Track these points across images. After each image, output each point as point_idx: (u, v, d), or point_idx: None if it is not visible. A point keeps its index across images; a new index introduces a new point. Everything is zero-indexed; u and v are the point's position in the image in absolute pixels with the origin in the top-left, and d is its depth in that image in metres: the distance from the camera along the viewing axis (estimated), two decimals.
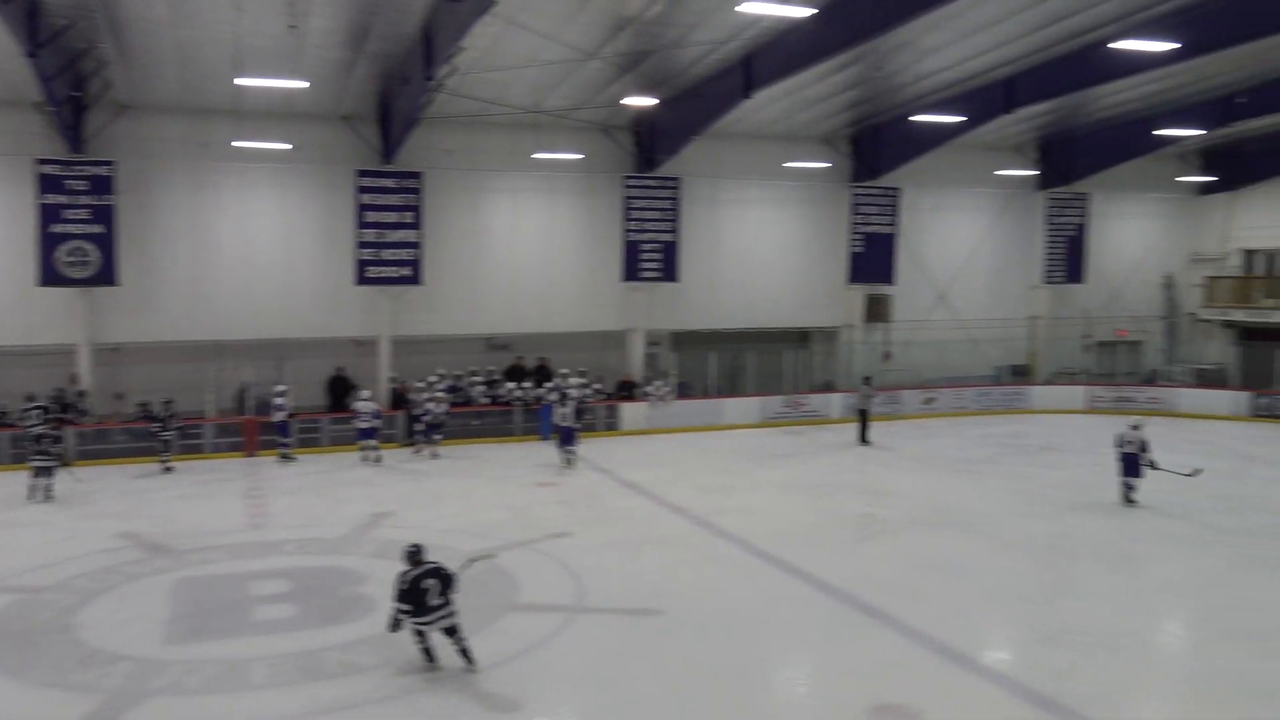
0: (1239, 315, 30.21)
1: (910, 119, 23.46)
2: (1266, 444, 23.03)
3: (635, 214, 24.83)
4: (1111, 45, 16.93)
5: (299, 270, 22.89)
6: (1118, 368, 30.84)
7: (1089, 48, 19.57)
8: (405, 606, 9.65)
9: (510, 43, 18.41)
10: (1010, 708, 9.40)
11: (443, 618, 9.74)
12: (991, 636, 11.47)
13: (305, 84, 17.78)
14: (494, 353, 24.77)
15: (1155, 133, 25.39)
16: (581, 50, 18.71)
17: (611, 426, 24.16)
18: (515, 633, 11.00)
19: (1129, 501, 17.20)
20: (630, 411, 24.44)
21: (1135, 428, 17.35)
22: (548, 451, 20.99)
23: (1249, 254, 31.20)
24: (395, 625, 9.82)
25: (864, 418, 23.07)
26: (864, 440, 22.91)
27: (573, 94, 21.81)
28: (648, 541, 14.86)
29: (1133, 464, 17.15)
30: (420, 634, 9.85)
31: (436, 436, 21.35)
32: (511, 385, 23.52)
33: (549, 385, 23.20)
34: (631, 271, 25.04)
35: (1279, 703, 9.46)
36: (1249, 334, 30.19)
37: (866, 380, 24.14)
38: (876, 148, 26.68)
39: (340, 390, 22.98)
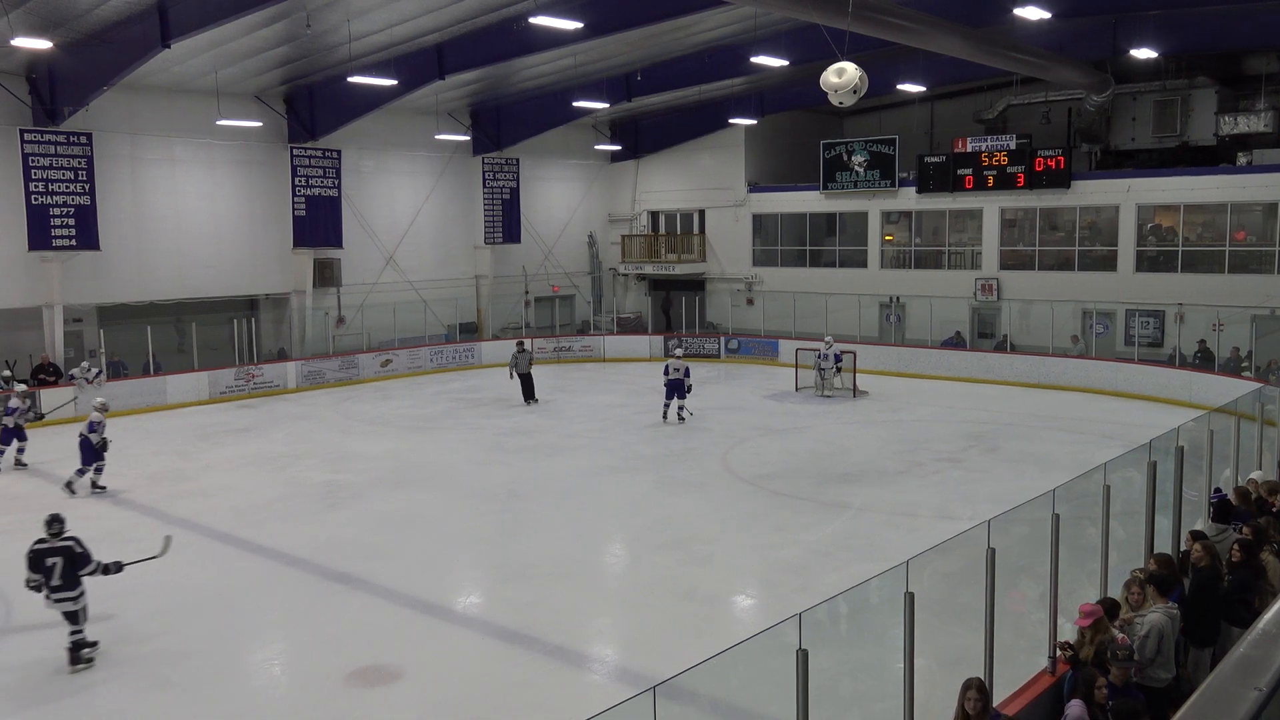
0: (649, 269, 34.44)
1: (347, 80, 23.22)
2: None
3: (39, 173, 21.67)
4: (531, 20, 18.20)
5: None
6: (555, 320, 33.59)
7: (509, 21, 20.84)
8: (35, 577, 9.36)
9: None
10: (483, 647, 10.02)
11: (59, 600, 9.32)
12: (460, 583, 12.07)
13: None
14: None
15: (573, 104, 27.80)
16: None
17: (32, 417, 21.06)
18: None
19: (680, 419, 20.60)
20: (53, 398, 21.50)
21: (680, 357, 21.27)
22: None
23: (654, 215, 35.62)
24: (29, 585, 9.46)
25: (527, 380, 23.44)
26: (531, 398, 23.32)
27: None
28: (89, 541, 13.19)
29: (676, 387, 20.65)
30: (67, 614, 9.39)
31: None
32: None
33: None
34: (40, 239, 21.88)
35: (698, 599, 11.18)
36: (658, 284, 34.65)
37: (520, 345, 24.59)
38: (313, 108, 26.04)
39: None
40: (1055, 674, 7.14)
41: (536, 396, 23.46)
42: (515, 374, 23.60)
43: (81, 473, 15.72)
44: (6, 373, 21.29)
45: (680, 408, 20.90)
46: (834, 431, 20.08)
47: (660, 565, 12.28)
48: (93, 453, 15.69)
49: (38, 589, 9.45)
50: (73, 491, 15.56)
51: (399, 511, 14.63)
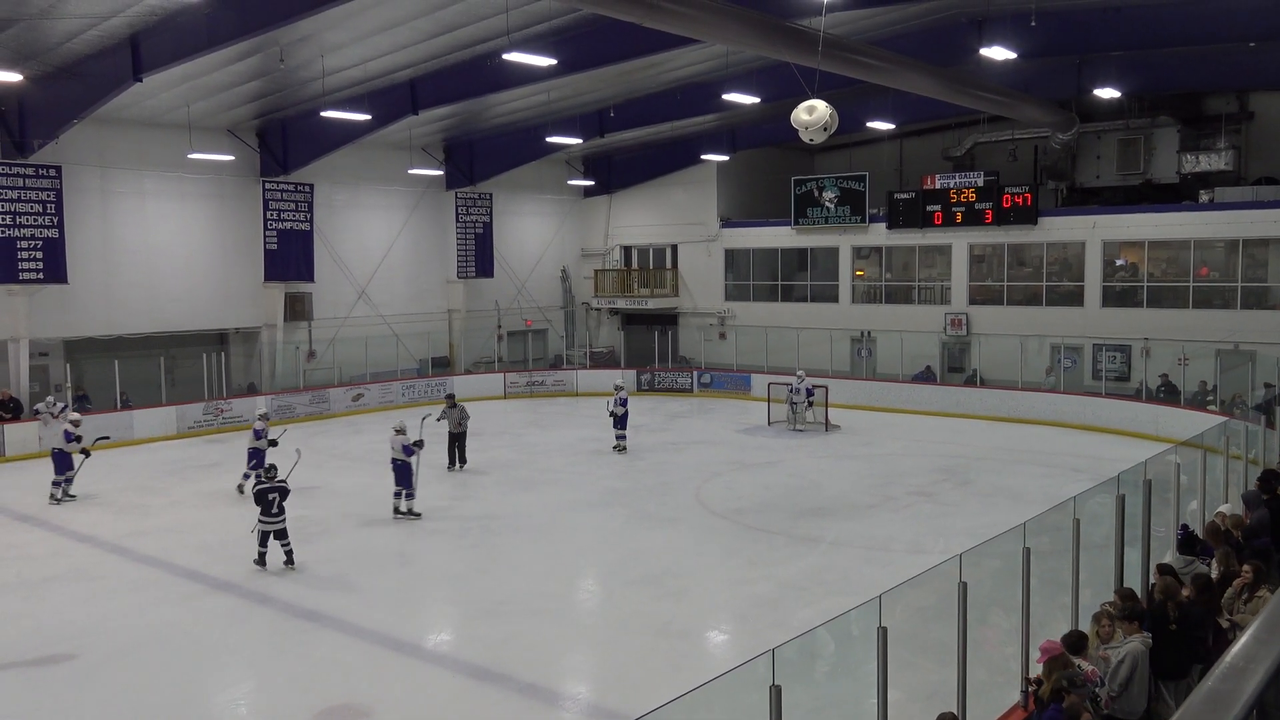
0: (622, 303, 34.54)
1: (320, 114, 23.23)
2: (648, 414, 26.61)
3: (6, 206, 21.46)
4: (504, 57, 18.32)
5: None
6: (528, 354, 33.54)
7: (483, 57, 20.97)
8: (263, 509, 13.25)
9: None
10: (454, 685, 9.90)
11: (275, 522, 13.21)
12: (432, 620, 11.95)
13: None
14: None
15: (547, 139, 27.93)
16: None
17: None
18: None
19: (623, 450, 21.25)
20: (16, 433, 21.20)
21: (621, 387, 22.00)
22: None
23: (626, 249, 35.75)
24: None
25: (457, 441, 19.87)
26: (456, 463, 19.86)
27: None
28: (53, 579, 13.11)
29: (624, 419, 21.37)
30: (262, 536, 13.24)
31: None
32: None
33: None
34: (7, 272, 21.65)
35: (672, 634, 11.12)
36: (630, 319, 34.72)
37: (450, 399, 20.61)
38: (286, 142, 26.02)
39: None
40: (1027, 708, 7.15)
41: (465, 460, 19.95)
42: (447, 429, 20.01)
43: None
44: None
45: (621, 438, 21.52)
46: (806, 465, 20.12)
47: (634, 601, 12.22)
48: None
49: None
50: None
51: (370, 547, 14.49)
